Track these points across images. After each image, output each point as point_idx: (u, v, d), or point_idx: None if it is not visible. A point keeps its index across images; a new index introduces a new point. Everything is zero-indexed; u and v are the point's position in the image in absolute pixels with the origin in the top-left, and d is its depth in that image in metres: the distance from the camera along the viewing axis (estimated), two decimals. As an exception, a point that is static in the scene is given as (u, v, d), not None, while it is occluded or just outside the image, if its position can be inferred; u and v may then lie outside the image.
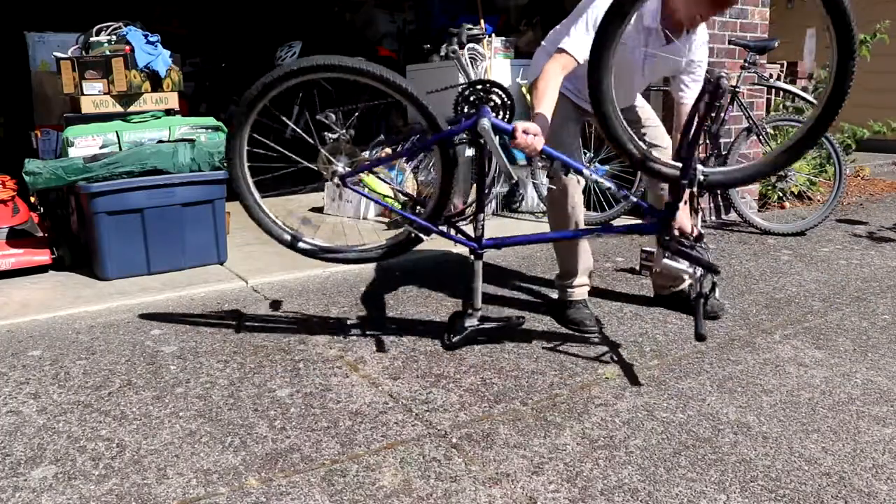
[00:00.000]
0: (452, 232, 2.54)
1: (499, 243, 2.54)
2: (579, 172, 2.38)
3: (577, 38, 2.39)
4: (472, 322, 2.52)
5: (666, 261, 2.33)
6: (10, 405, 2.11)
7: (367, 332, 2.66)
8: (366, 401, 2.13)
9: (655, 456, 1.83)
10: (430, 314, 2.86)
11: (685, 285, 2.84)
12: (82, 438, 1.92)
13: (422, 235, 2.48)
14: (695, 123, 2.19)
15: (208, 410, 2.07)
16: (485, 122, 2.26)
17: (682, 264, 2.30)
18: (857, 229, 4.29)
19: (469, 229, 2.54)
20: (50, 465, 1.80)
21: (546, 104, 2.35)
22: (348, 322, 2.77)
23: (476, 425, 1.99)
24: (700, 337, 2.07)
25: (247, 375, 2.30)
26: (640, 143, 2.29)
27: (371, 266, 3.43)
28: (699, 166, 2.23)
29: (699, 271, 2.25)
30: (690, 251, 2.29)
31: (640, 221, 2.55)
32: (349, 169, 2.49)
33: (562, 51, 2.41)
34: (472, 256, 2.49)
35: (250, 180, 2.52)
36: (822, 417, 2.03)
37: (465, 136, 2.50)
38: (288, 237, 2.56)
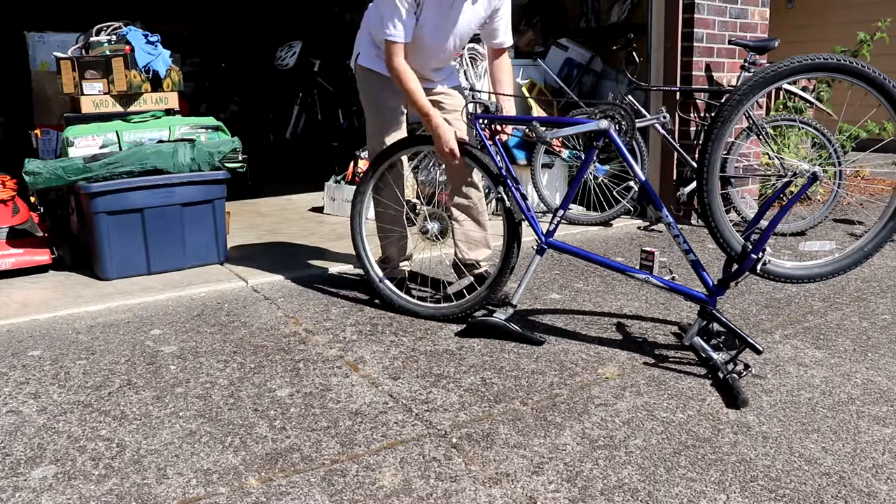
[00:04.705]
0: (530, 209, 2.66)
1: (563, 248, 2.60)
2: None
3: (398, 25, 2.61)
4: (500, 315, 2.58)
5: (697, 339, 2.37)
6: (10, 405, 2.12)
7: (367, 332, 2.67)
8: (366, 401, 2.13)
9: (655, 456, 1.83)
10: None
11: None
12: (82, 438, 1.92)
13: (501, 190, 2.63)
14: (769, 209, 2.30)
15: (208, 410, 2.07)
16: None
17: (711, 349, 2.33)
18: (856, 229, 4.29)
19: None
20: (50, 465, 1.80)
21: (422, 94, 2.69)
22: (348, 322, 2.78)
23: (476, 425, 1.99)
24: (744, 402, 2.09)
25: (247, 375, 2.30)
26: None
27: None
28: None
29: (723, 356, 2.28)
30: (734, 326, 2.33)
31: (682, 285, 2.49)
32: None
33: (391, 42, 2.64)
34: (534, 248, 2.58)
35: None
36: (822, 417, 2.03)
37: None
38: None
